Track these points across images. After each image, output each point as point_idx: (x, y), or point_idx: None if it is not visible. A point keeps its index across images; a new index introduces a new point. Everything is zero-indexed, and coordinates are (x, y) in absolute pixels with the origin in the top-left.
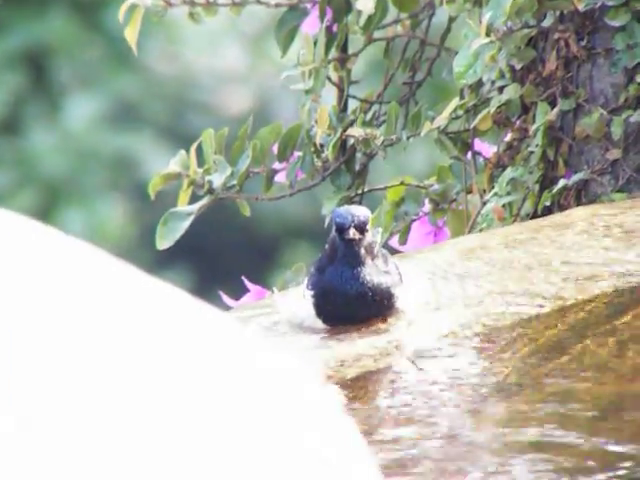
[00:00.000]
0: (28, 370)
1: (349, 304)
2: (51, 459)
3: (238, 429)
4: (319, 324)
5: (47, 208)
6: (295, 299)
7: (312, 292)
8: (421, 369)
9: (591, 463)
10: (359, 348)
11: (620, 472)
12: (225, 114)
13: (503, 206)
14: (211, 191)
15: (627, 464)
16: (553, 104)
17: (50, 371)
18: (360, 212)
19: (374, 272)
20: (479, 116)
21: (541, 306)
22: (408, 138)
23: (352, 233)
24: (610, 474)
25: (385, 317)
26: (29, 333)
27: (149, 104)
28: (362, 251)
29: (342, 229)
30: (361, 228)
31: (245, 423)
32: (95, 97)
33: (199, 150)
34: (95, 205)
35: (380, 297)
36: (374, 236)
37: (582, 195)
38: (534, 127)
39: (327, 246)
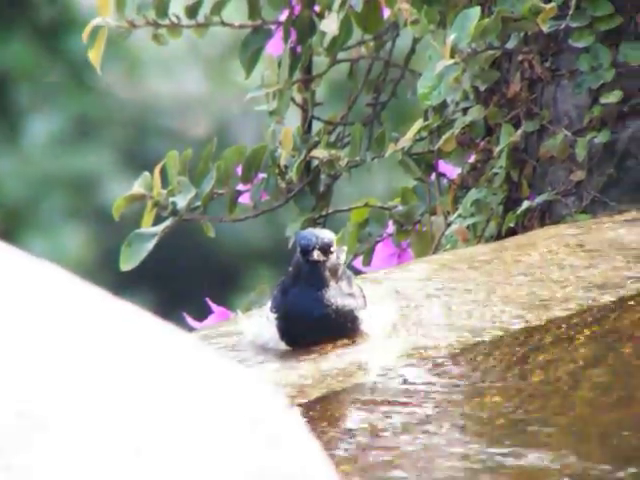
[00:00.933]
0: None
1: (313, 326)
2: None
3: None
4: (282, 346)
5: (8, 233)
6: (258, 321)
7: (276, 314)
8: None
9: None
10: (323, 369)
11: None
12: (187, 137)
13: (467, 227)
14: (175, 212)
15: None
16: (517, 125)
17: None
18: (324, 234)
19: (338, 294)
20: (443, 137)
21: (506, 327)
22: (372, 159)
23: (316, 255)
24: None
25: (350, 338)
26: None
27: (110, 128)
28: (326, 273)
29: (306, 251)
30: (325, 250)
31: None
32: (55, 121)
33: (163, 172)
34: (57, 229)
35: (344, 319)
36: (339, 256)
37: (546, 216)
38: (498, 148)
39: (291, 268)
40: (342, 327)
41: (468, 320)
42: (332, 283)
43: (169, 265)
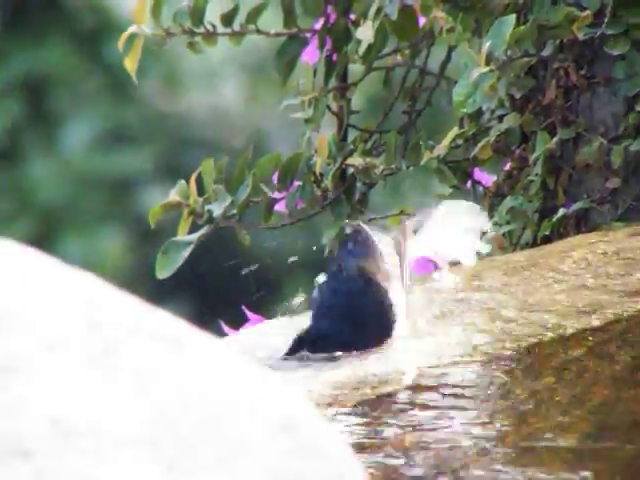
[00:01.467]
0: None
1: (346, 338)
2: None
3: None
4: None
5: (45, 236)
6: (294, 326)
7: (310, 326)
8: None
9: None
10: (357, 375)
11: None
12: (224, 147)
13: (503, 235)
14: (211, 220)
15: None
16: (553, 133)
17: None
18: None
19: (370, 302)
20: (479, 145)
21: (542, 335)
22: (408, 167)
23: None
24: None
25: (384, 343)
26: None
27: (147, 136)
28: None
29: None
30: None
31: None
32: (92, 127)
33: (199, 180)
34: (93, 234)
35: (380, 332)
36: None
37: (582, 224)
38: (534, 156)
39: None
40: (377, 340)
41: (503, 326)
42: (363, 290)
43: (206, 273)
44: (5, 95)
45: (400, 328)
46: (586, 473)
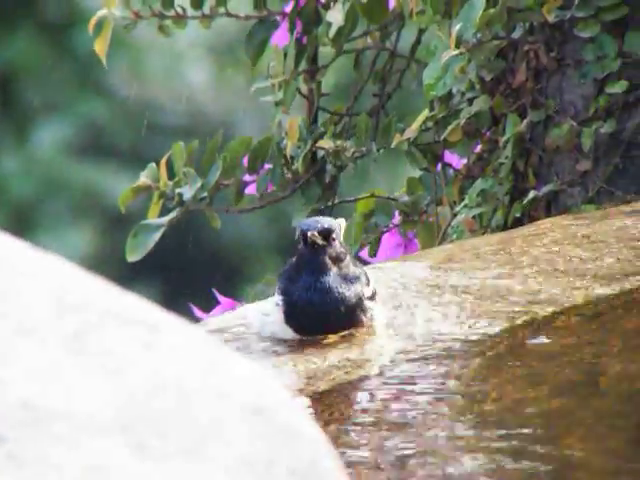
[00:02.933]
0: None
1: (316, 313)
2: None
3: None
4: (289, 333)
5: (16, 232)
6: (265, 310)
7: (282, 301)
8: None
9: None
10: (330, 360)
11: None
12: (194, 131)
13: (473, 217)
14: (181, 203)
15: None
16: (523, 115)
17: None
18: (325, 221)
19: (341, 281)
20: (449, 128)
21: (513, 318)
22: (378, 150)
23: (313, 236)
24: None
25: (355, 328)
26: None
27: (116, 125)
28: (327, 259)
29: (305, 235)
30: (325, 235)
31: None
32: (62, 119)
33: (169, 163)
34: (64, 228)
35: (347, 307)
36: (345, 247)
37: (552, 206)
38: (504, 138)
39: (295, 257)
40: (345, 315)
41: (474, 312)
42: (335, 270)
43: (176, 256)
44: None
45: (373, 313)
46: None
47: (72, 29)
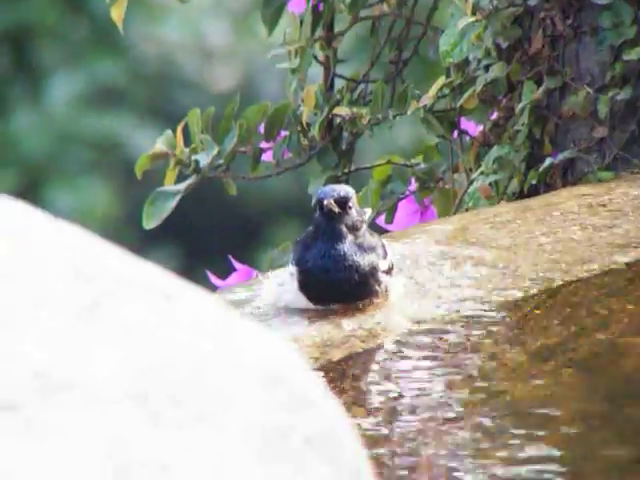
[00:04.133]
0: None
1: (330, 280)
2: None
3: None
4: (304, 303)
5: (31, 188)
6: (280, 279)
7: (296, 270)
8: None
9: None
10: (346, 329)
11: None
12: (211, 92)
13: (490, 185)
14: (198, 170)
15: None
16: (539, 83)
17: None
18: (342, 189)
19: (357, 250)
20: (465, 95)
21: (528, 288)
22: (394, 117)
23: (329, 204)
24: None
25: (371, 297)
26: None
27: (134, 84)
28: (343, 227)
29: (322, 202)
30: (341, 203)
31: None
32: (78, 77)
33: (186, 129)
34: (80, 185)
35: (362, 275)
36: (361, 213)
37: (568, 173)
38: (520, 106)
39: (311, 226)
40: (359, 283)
41: (489, 283)
42: (351, 238)
43: (194, 222)
44: None
45: (388, 285)
46: None
47: None
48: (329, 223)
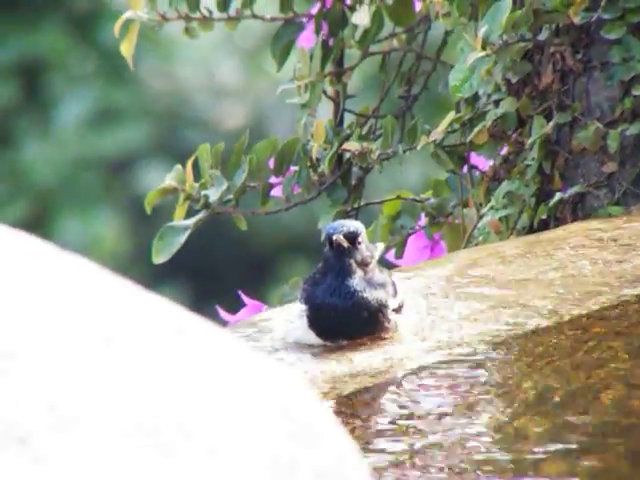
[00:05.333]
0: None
1: (339, 317)
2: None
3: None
4: (313, 339)
5: (41, 219)
6: (290, 315)
7: (305, 306)
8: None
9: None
10: (356, 365)
11: None
12: (221, 129)
13: (500, 219)
14: (207, 205)
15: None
16: (549, 117)
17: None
18: (352, 224)
19: (366, 286)
20: (475, 130)
21: (538, 322)
22: (404, 152)
23: (338, 239)
24: None
25: (380, 333)
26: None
27: (143, 118)
28: (352, 263)
29: (331, 238)
30: (350, 238)
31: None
32: (87, 109)
33: (195, 165)
34: (89, 215)
35: (371, 311)
36: (371, 251)
37: (578, 208)
38: (530, 140)
39: (321, 263)
40: (368, 320)
41: (500, 316)
42: (360, 274)
43: (203, 258)
44: None
45: (398, 316)
46: None
47: (99, 22)
48: (338, 259)
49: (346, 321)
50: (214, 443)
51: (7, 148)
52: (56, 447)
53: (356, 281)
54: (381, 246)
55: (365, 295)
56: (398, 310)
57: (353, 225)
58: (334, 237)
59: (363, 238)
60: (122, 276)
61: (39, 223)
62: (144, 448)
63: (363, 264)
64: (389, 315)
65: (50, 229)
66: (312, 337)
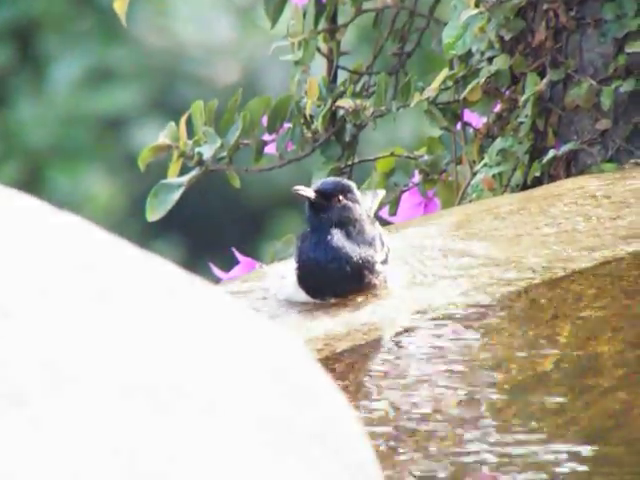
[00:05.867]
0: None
1: (323, 274)
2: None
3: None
4: (303, 297)
5: (34, 178)
6: (282, 272)
7: (295, 264)
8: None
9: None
10: (348, 322)
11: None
12: (214, 86)
13: (493, 176)
14: (201, 163)
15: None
16: (542, 75)
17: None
18: (330, 181)
19: (346, 242)
20: (468, 87)
21: (531, 278)
22: (398, 109)
23: (303, 190)
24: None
25: (368, 289)
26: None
27: (137, 75)
28: (329, 220)
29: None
30: (325, 195)
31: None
32: (81, 67)
33: (189, 122)
34: (82, 173)
35: (354, 267)
36: (355, 209)
37: (572, 165)
38: (524, 98)
39: None
40: (353, 276)
41: (492, 274)
42: (342, 230)
43: (197, 215)
44: None
45: (386, 276)
46: None
47: None
48: (314, 216)
49: (330, 277)
50: (210, 402)
51: (1, 108)
52: (52, 407)
53: (336, 237)
54: (382, 193)
55: (346, 251)
56: (385, 261)
57: (331, 182)
58: (298, 190)
59: (351, 195)
60: (116, 233)
61: (32, 182)
62: (140, 407)
63: (345, 221)
64: (377, 269)
65: (43, 188)
66: (302, 295)
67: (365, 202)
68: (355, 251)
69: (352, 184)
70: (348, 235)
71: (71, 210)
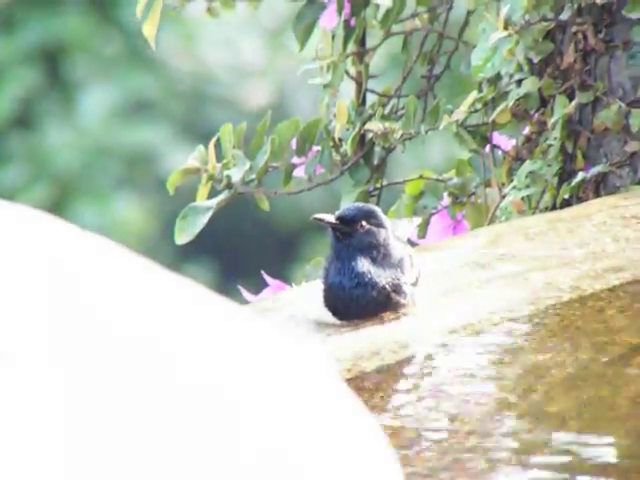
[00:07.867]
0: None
1: (348, 298)
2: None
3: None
4: (330, 318)
5: (61, 203)
6: (310, 294)
7: (322, 286)
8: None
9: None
10: (377, 342)
11: None
12: (243, 109)
13: (522, 199)
14: (230, 186)
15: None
16: (571, 97)
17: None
18: (353, 207)
19: (371, 266)
20: (497, 109)
21: (559, 297)
22: (426, 132)
23: (324, 217)
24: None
25: (395, 310)
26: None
27: (166, 100)
28: (352, 245)
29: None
30: (348, 221)
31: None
32: (111, 92)
33: (218, 145)
34: (111, 200)
35: (380, 291)
36: (380, 233)
37: (601, 188)
38: (552, 120)
39: None
40: (379, 299)
41: (521, 292)
42: (365, 255)
43: (226, 238)
44: (22, 63)
45: (414, 297)
46: None
47: (121, 3)
48: (337, 241)
49: (357, 303)
50: (237, 427)
51: (30, 133)
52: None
53: (360, 263)
54: (418, 220)
55: (371, 276)
56: (415, 283)
57: (353, 208)
58: (318, 218)
59: (374, 220)
60: (148, 256)
61: (58, 207)
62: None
63: (368, 246)
64: (404, 290)
65: (69, 214)
66: (329, 316)
67: (398, 227)
68: (380, 275)
69: (376, 208)
70: (373, 260)
71: (101, 235)
